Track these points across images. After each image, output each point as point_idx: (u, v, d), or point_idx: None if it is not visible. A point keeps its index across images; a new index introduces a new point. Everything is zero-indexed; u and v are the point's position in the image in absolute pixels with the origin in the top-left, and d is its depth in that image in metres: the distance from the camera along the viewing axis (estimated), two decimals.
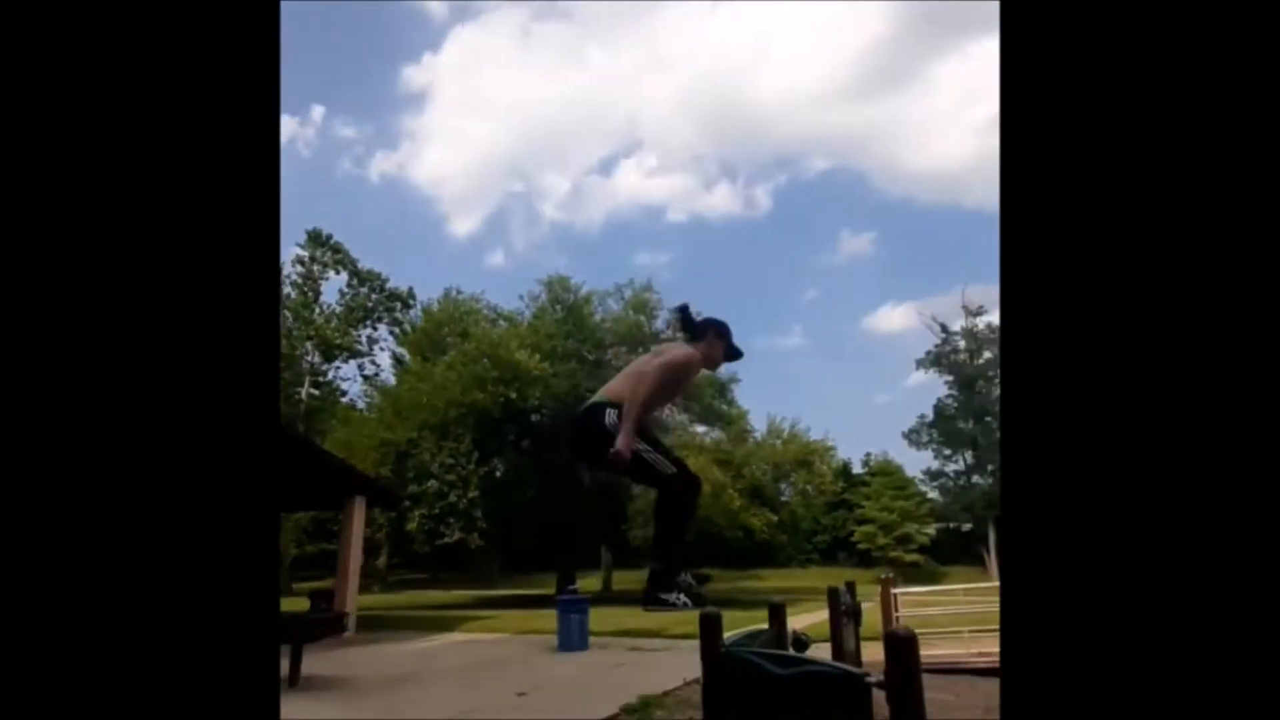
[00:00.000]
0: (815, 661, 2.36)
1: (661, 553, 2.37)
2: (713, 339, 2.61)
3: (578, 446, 2.51)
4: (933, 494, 35.27)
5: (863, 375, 66.87)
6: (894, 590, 8.36)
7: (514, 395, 17.43)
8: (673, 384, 2.55)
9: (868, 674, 2.18)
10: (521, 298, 22.77)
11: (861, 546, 32.47)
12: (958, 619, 9.18)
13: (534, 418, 21.15)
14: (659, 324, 21.51)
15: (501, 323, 21.41)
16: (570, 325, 21.06)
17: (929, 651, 8.64)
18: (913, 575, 26.58)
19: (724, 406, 22.06)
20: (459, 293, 20.23)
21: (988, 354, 33.80)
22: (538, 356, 18.30)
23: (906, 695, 2.04)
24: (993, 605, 11.10)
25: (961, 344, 34.26)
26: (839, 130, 57.55)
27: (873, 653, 8.63)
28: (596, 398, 2.48)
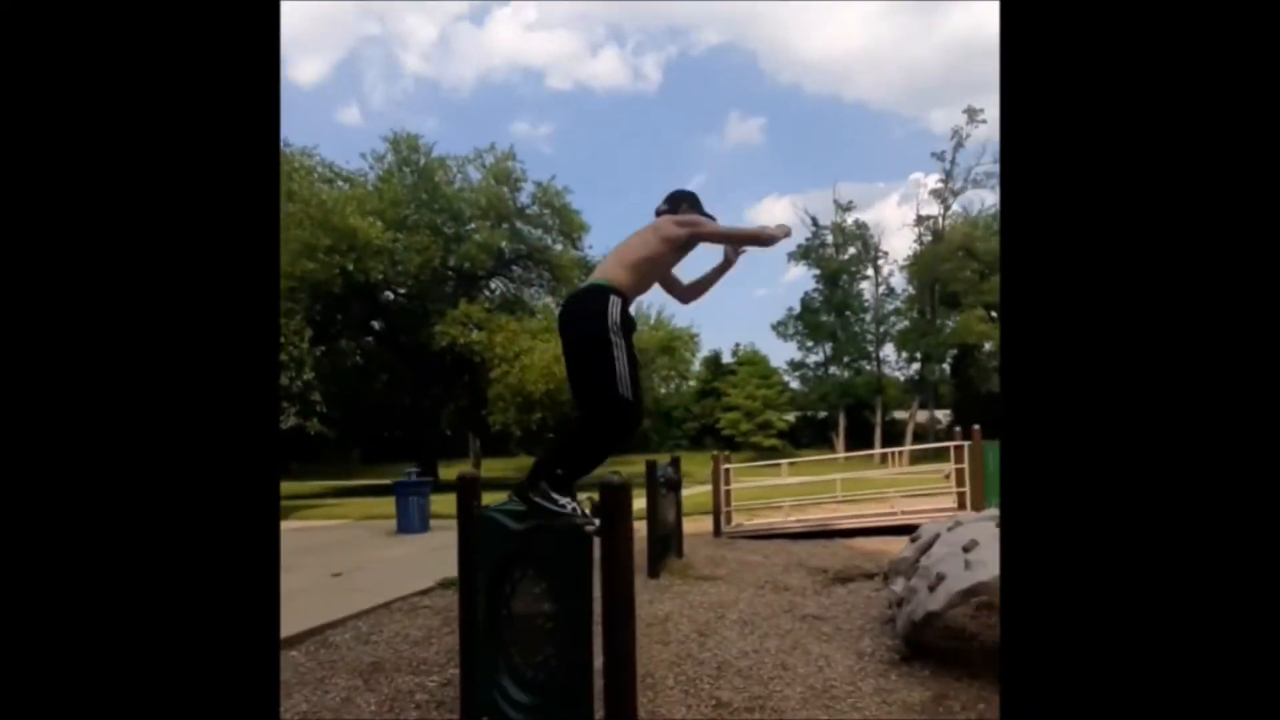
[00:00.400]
0: (551, 514, 2.22)
1: (568, 459, 2.28)
2: (687, 210, 2.59)
3: (572, 334, 2.36)
4: (795, 383, 37.76)
5: (743, 267, 68.43)
6: (725, 465, 8.67)
7: (351, 267, 15.82)
8: (672, 258, 2.54)
9: (590, 523, 2.13)
10: (364, 156, 20.12)
11: (726, 432, 34.44)
12: (780, 491, 9.85)
13: (385, 295, 19.56)
14: (524, 198, 20.15)
15: (341, 184, 18.86)
16: (423, 193, 19.13)
17: (753, 520, 9.25)
18: (771, 458, 28.82)
19: None
20: (287, 145, 17.32)
21: (852, 250, 35.44)
22: (380, 225, 16.54)
23: (614, 540, 2.04)
24: (811, 478, 12.35)
25: (829, 239, 35.55)
26: (730, 3, 55.00)
27: (701, 523, 9.15)
28: (594, 279, 2.41)
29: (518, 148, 21.77)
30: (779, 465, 11.22)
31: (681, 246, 2.49)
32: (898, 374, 36.42)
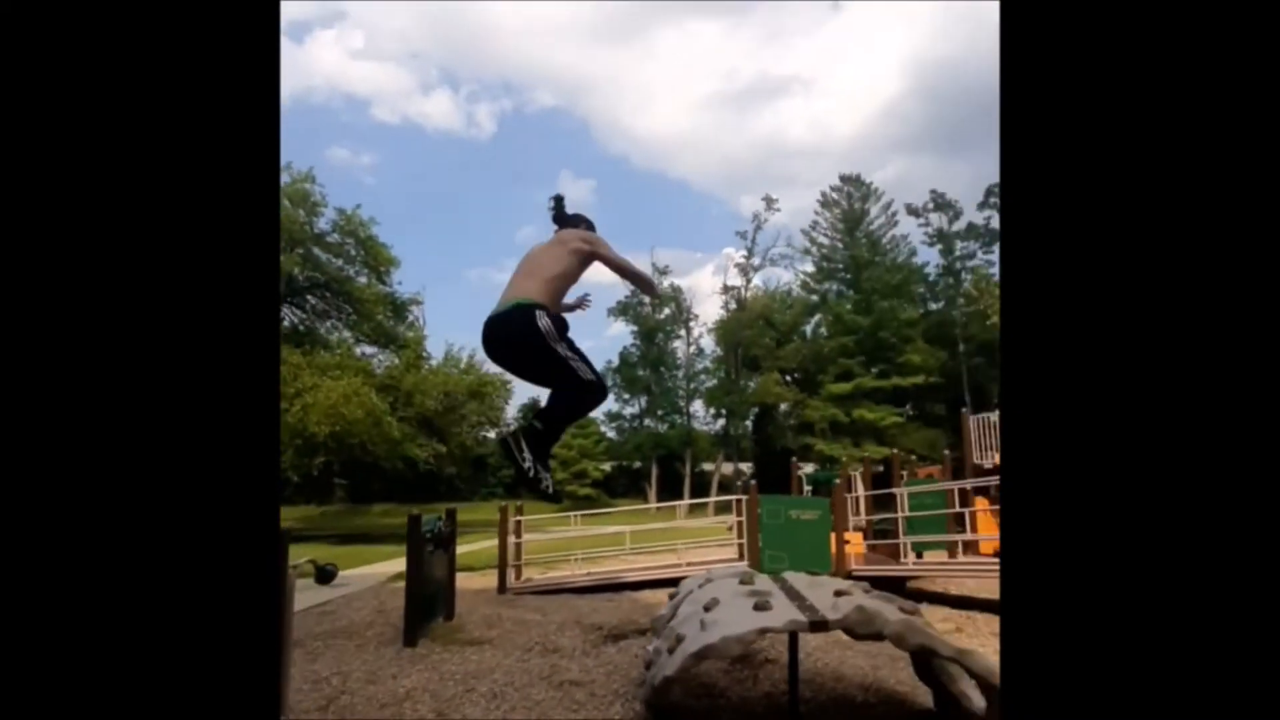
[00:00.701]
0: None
1: (544, 419, 2.39)
2: (586, 230, 2.66)
3: (507, 354, 2.46)
4: (611, 434, 38.33)
5: (570, 320, 69.46)
6: (515, 518, 8.28)
7: None
8: (577, 273, 2.56)
9: None
10: None
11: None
12: (575, 543, 9.65)
13: None
14: (323, 224, 18.57)
15: None
16: None
17: (544, 575, 8.88)
18: (586, 507, 28.68)
19: (401, 329, 20.29)
20: None
21: (667, 310, 37.52)
22: None
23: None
24: (606, 529, 12.39)
25: (647, 299, 37.30)
26: (570, 71, 57.25)
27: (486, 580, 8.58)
28: (515, 300, 2.36)
29: (337, 175, 20.46)
30: (569, 517, 10.99)
31: (582, 264, 2.54)
32: (706, 428, 38.63)
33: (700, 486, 35.22)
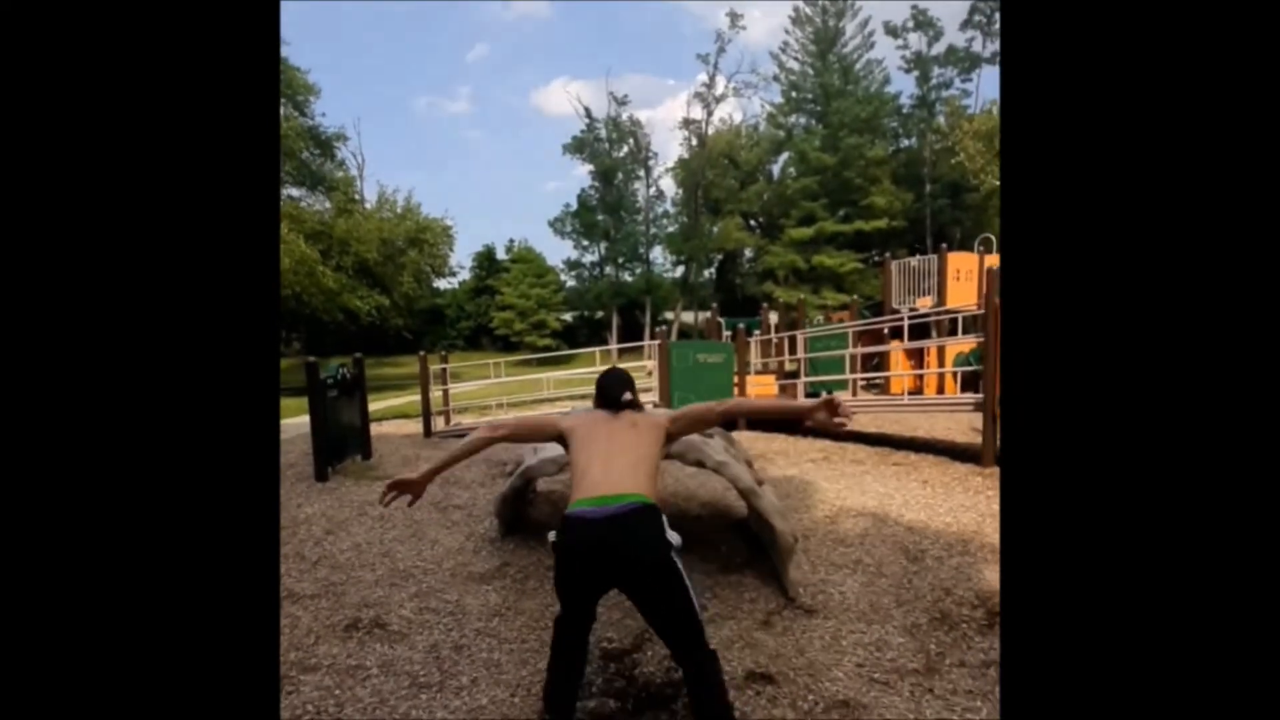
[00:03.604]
0: None
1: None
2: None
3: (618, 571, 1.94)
4: (571, 282, 38.36)
5: (535, 157, 66.60)
6: (441, 366, 8.73)
7: None
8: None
9: None
10: None
11: (500, 332, 34.35)
12: (490, 390, 10.26)
13: None
14: None
15: None
16: None
17: (472, 420, 9.58)
18: (546, 359, 29.51)
19: (330, 167, 19.29)
20: None
21: (626, 147, 36.03)
22: None
23: None
24: (527, 377, 13.08)
25: (604, 133, 35.66)
26: None
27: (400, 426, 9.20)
28: (638, 495, 1.94)
29: None
30: (486, 365, 11.56)
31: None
32: (668, 275, 38.88)
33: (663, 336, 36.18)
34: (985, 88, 32.19)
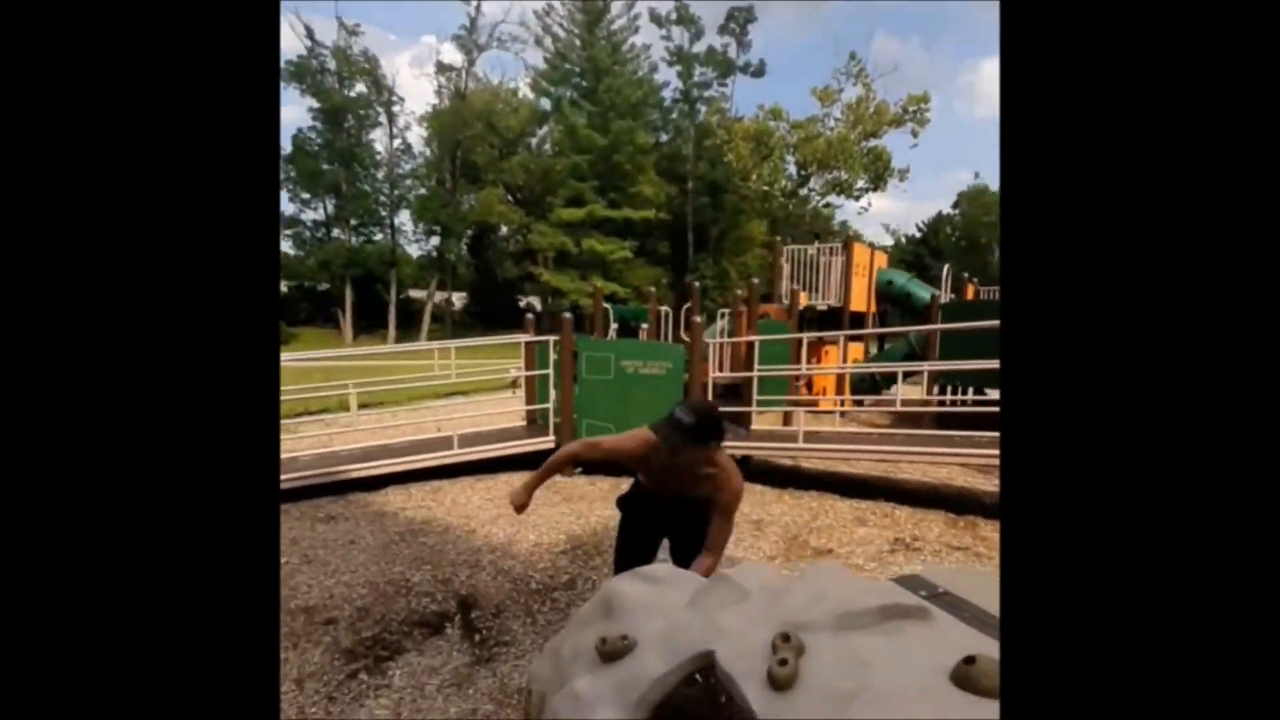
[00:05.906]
0: None
1: None
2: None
3: None
4: (287, 245, 31.88)
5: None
6: None
7: None
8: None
9: None
10: None
11: None
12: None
13: None
14: None
15: None
16: None
17: None
18: None
19: None
20: None
21: (361, 87, 30.66)
22: None
23: None
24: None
25: (332, 64, 29.92)
26: None
27: None
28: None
29: None
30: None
31: None
32: (416, 245, 34.56)
33: (406, 316, 31.95)
34: (739, 94, 34.48)
